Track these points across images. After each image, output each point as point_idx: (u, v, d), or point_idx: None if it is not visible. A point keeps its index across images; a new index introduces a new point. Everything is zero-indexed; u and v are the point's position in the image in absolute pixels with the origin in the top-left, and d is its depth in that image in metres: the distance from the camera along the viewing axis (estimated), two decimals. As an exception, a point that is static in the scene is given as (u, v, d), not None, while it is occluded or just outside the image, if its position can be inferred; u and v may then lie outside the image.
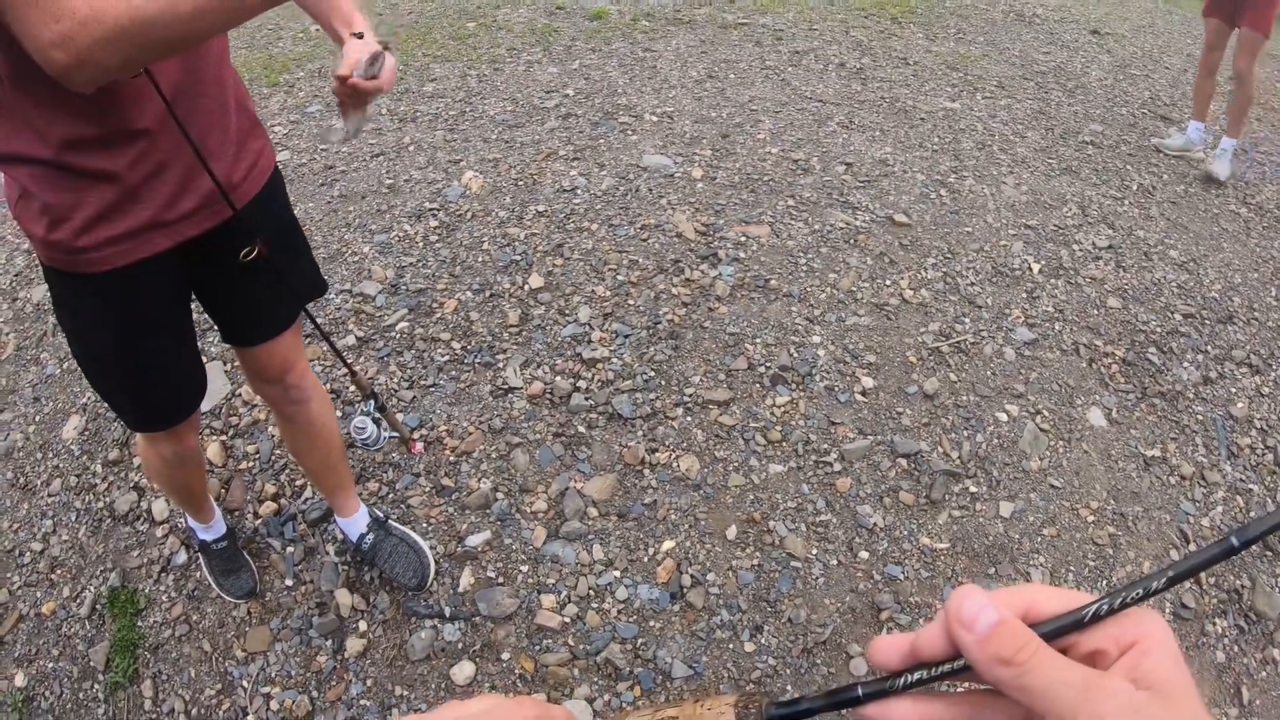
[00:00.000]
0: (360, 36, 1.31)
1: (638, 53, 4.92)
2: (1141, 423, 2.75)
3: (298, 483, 2.41)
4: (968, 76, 4.92)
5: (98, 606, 2.21)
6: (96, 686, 2.08)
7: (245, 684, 2.03)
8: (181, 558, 2.27)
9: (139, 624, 2.17)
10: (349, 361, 1.81)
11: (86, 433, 2.65)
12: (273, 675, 2.03)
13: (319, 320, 2.84)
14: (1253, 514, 2.53)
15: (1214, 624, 2.22)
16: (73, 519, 2.43)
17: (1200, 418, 2.81)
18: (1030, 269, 3.27)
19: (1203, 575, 2.32)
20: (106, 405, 1.66)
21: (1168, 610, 2.23)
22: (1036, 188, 3.84)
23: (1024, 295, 3.13)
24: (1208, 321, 3.25)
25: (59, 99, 1.11)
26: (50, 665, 2.13)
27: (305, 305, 1.68)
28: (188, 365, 1.58)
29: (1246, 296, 3.44)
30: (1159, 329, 3.14)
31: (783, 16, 5.63)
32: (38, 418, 2.73)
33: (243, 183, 1.43)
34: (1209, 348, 3.11)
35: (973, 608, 0.35)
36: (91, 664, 2.11)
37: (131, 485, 2.47)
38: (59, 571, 2.31)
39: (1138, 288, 3.34)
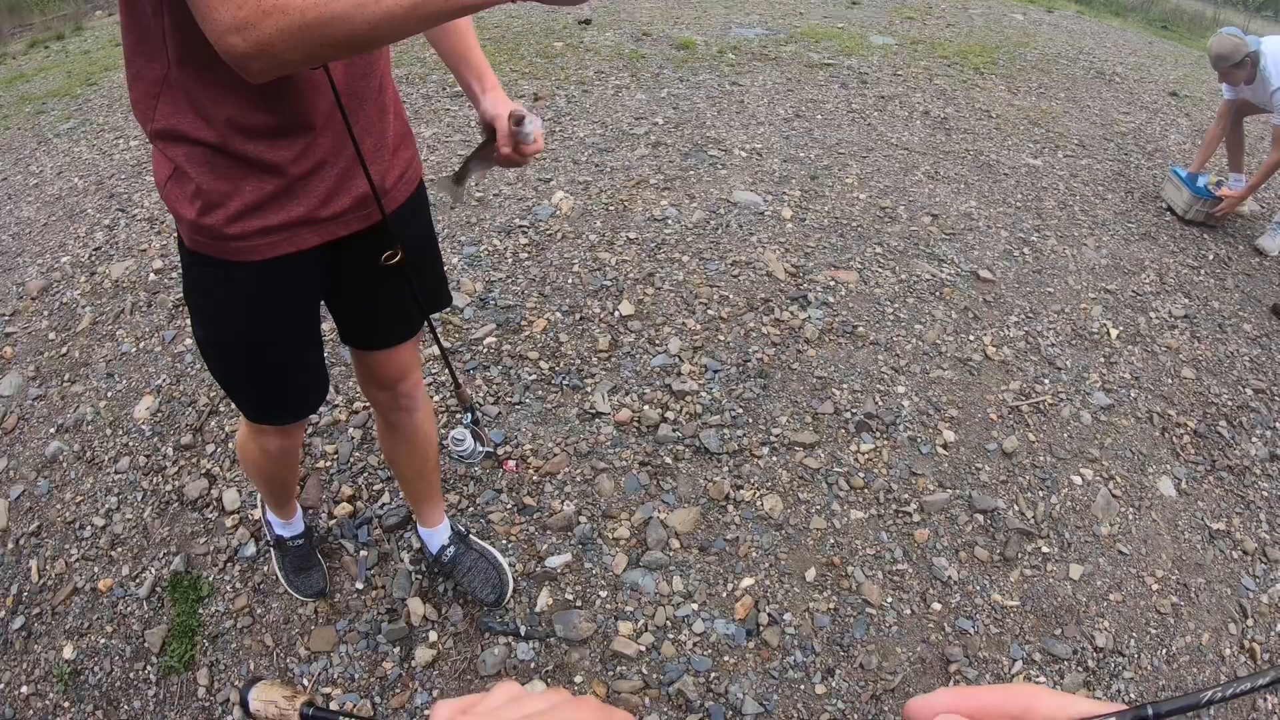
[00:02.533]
0: (516, 119, 1.30)
1: (725, 86, 4.97)
2: (1209, 495, 2.72)
3: (375, 487, 2.43)
4: (1049, 133, 4.90)
5: (158, 589, 2.22)
6: (149, 668, 2.07)
7: (306, 682, 2.03)
8: (250, 550, 2.28)
9: (200, 611, 2.17)
10: (457, 375, 1.81)
11: (159, 415, 2.67)
12: (335, 676, 2.03)
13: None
14: None
15: (1265, 699, 2.18)
16: (139, 499, 2.44)
17: (1266, 494, 2.76)
18: (1109, 333, 3.26)
19: (1258, 650, 2.30)
20: (223, 392, 1.65)
21: (1221, 681, 2.21)
22: (1116, 251, 3.82)
23: (1102, 360, 3.12)
24: (1278, 397, 3.22)
25: (231, 82, 1.08)
26: (102, 641, 2.13)
27: (430, 316, 1.70)
28: (315, 364, 1.57)
29: (1319, 375, 3.40)
30: (1230, 402, 3.10)
31: (867, 60, 5.65)
32: (110, 394, 2.77)
33: (394, 189, 1.42)
34: (1278, 424, 3.08)
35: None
36: (146, 645, 2.11)
37: (203, 472, 2.48)
38: (119, 549, 2.32)
39: (1211, 359, 3.31)
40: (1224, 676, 2.25)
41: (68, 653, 2.11)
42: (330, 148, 1.25)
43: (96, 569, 2.28)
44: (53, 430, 2.67)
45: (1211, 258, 4.07)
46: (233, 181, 1.20)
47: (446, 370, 1.77)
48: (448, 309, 3.04)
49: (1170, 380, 3.13)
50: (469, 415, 1.84)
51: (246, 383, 1.52)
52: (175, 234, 1.37)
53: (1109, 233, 3.96)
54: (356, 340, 1.66)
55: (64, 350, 2.98)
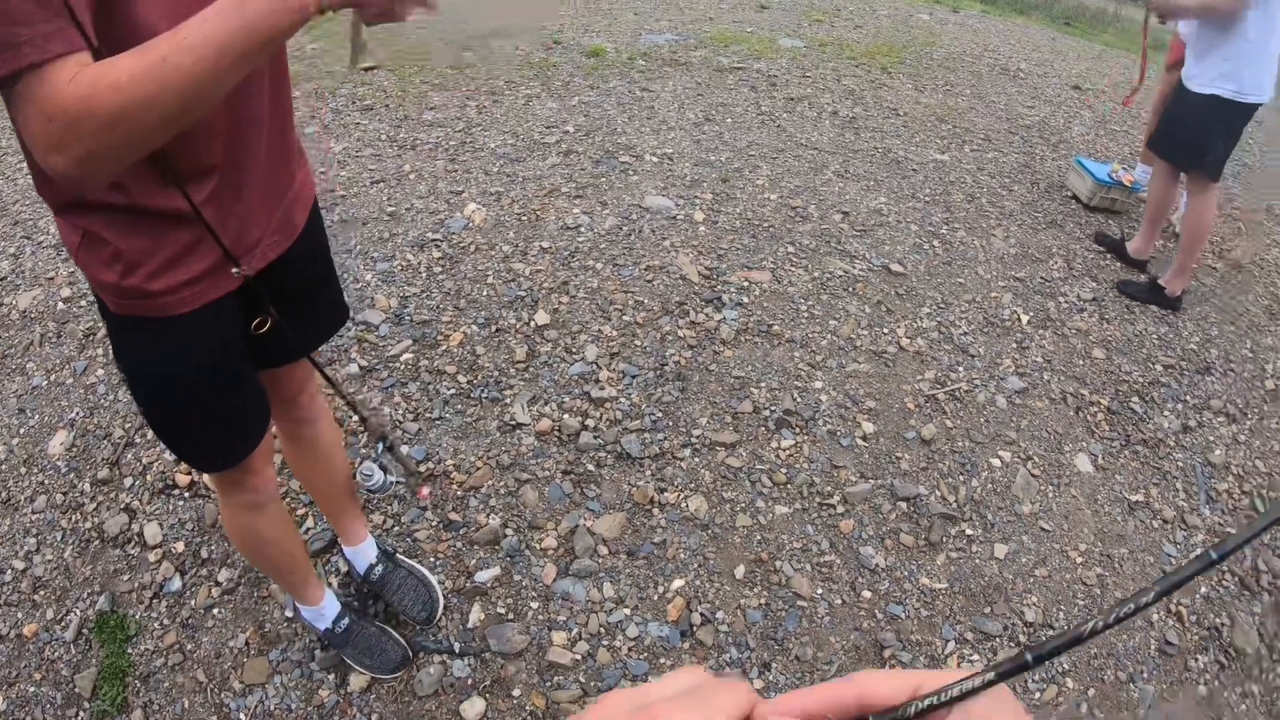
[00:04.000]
0: None
1: (635, 92, 5.06)
2: (1125, 469, 2.88)
3: (298, 512, 2.44)
4: (956, 129, 5.12)
5: (84, 631, 2.18)
6: (82, 714, 2.04)
7: (243, 716, 2.01)
8: (175, 584, 2.26)
9: (129, 651, 2.14)
10: (358, 405, 1.80)
11: (74, 449, 2.62)
12: (272, 708, 2.02)
13: (323, 349, 2.89)
14: (1231, 556, 2.67)
15: (1196, 659, 2.34)
16: (58, 538, 2.39)
17: (1180, 464, 2.95)
18: (1020, 320, 3.42)
19: (1185, 614, 2.44)
20: (172, 453, 1.59)
21: (1153, 647, 2.35)
22: (1024, 240, 4.02)
23: (1014, 345, 3.27)
24: (1186, 372, 3.41)
25: None
26: (31, 690, 2.09)
27: (333, 332, 1.74)
28: (256, 388, 1.57)
29: (1223, 349, 3.61)
30: (1141, 379, 3.29)
31: (776, 62, 5.82)
32: (22, 430, 2.70)
33: (298, 209, 1.44)
34: (1188, 397, 3.27)
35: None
36: (77, 690, 2.07)
37: (122, 507, 2.45)
38: (42, 592, 2.27)
39: (1121, 339, 3.50)
40: (1154, 641, 2.38)
41: None
42: (237, 183, 1.26)
43: (20, 614, 2.23)
44: None
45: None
46: (151, 237, 1.20)
47: (345, 403, 1.76)
48: (363, 326, 3.05)
49: (1082, 361, 3.30)
50: (380, 445, 1.85)
51: (201, 432, 1.51)
52: (94, 299, 1.37)
53: (1016, 223, 4.15)
54: (258, 359, 1.65)
55: None
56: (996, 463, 2.76)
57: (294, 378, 1.74)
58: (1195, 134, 3.52)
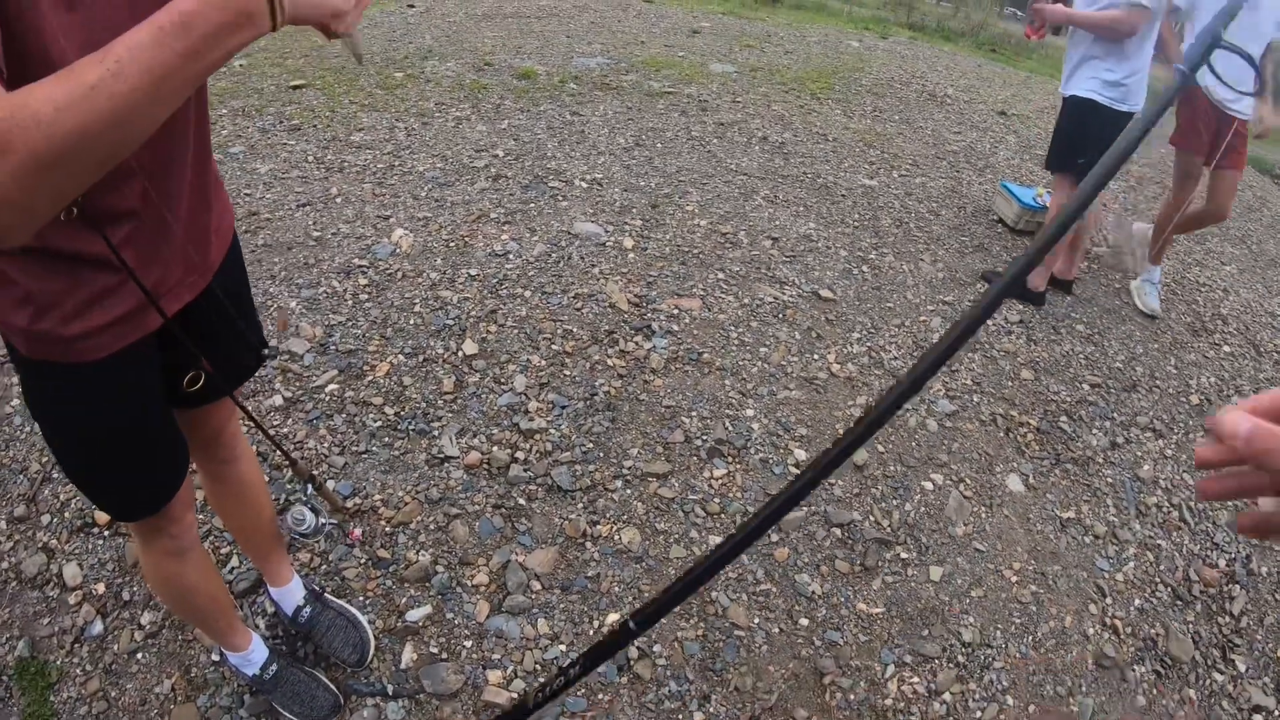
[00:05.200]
0: None
1: (566, 116, 5.10)
2: (1056, 487, 2.99)
3: (222, 550, 2.38)
4: (884, 154, 5.27)
5: (4, 678, 2.11)
6: None
7: None
8: (98, 628, 2.20)
9: (51, 699, 2.08)
10: (282, 444, 1.77)
11: None
12: None
13: (248, 382, 2.83)
14: (1162, 567, 2.79)
15: (1134, 670, 2.43)
16: None
17: (1110, 480, 3.07)
18: (948, 343, 3.52)
19: (1120, 627, 2.54)
20: (90, 501, 1.55)
21: (1090, 661, 2.42)
22: (951, 264, 4.14)
23: (944, 369, 3.36)
24: (1113, 390, 3.56)
25: None
26: None
27: (254, 370, 1.71)
28: (175, 432, 1.52)
29: (1148, 366, 3.78)
30: (1069, 398, 3.42)
31: (707, 87, 5.93)
32: None
33: (216, 245, 1.41)
34: (1115, 414, 3.40)
35: (1232, 423, 0.51)
36: None
37: (40, 546, 2.37)
38: None
39: (1048, 360, 3.63)
40: (1090, 656, 2.46)
41: None
42: (155, 224, 1.21)
43: None
44: None
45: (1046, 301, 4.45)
46: (67, 280, 1.14)
47: (268, 442, 1.72)
48: (286, 356, 3.00)
49: (1011, 383, 3.41)
50: (308, 485, 1.81)
51: (119, 480, 1.46)
52: (4, 342, 1.27)
53: (944, 247, 4.28)
54: (176, 400, 1.60)
55: None
56: (929, 486, 2.84)
57: (214, 417, 1.70)
58: (1070, 137, 3.78)
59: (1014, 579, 2.62)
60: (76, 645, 2.16)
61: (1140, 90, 3.60)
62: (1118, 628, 2.53)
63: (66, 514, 2.45)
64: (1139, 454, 3.22)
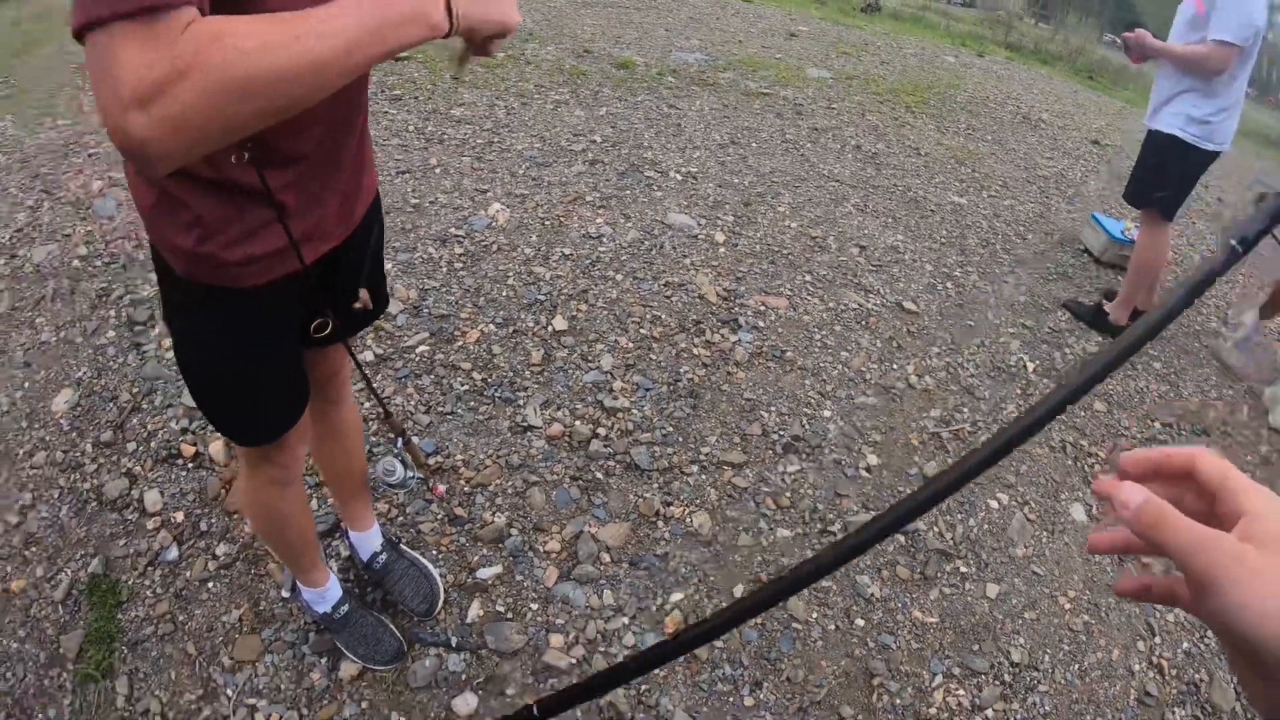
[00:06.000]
0: None
1: (663, 108, 5.14)
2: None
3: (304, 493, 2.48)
4: (975, 173, 5.21)
5: (74, 592, 2.19)
6: (64, 675, 2.04)
7: (230, 692, 2.02)
8: (173, 554, 2.27)
9: (119, 616, 2.15)
10: (385, 402, 1.82)
11: (79, 409, 2.64)
12: (260, 687, 2.03)
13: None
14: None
15: (1174, 712, 2.37)
16: (55, 497, 2.40)
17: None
18: (1026, 367, 3.49)
19: (1166, 667, 2.49)
20: (210, 421, 1.57)
21: (1133, 697, 2.39)
22: (1034, 289, 4.09)
23: (1019, 391, 3.34)
24: (1184, 431, 3.48)
25: None
26: (14, 646, 2.09)
27: (374, 319, 1.77)
28: (302, 369, 1.59)
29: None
30: (1139, 434, 3.35)
31: (803, 91, 5.91)
32: (26, 384, 2.72)
33: (361, 202, 1.47)
34: None
35: (1125, 492, 0.52)
36: (62, 651, 2.07)
37: (123, 471, 2.46)
38: (34, 549, 2.28)
39: (1122, 394, 3.57)
40: (1134, 691, 2.42)
41: None
42: (322, 171, 1.28)
43: (9, 569, 2.24)
44: None
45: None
46: (234, 209, 1.20)
47: (371, 395, 1.78)
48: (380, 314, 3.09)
49: (1083, 413, 3.37)
50: (400, 440, 1.83)
51: (246, 404, 1.52)
52: (154, 263, 1.35)
53: (1028, 271, 4.23)
54: (304, 340, 1.69)
55: None
56: (994, 504, 2.82)
57: (332, 360, 1.77)
58: (1152, 171, 3.67)
59: (1068, 606, 2.58)
60: (150, 568, 2.24)
61: (1227, 128, 3.47)
62: (1163, 667, 2.48)
63: (152, 444, 2.54)
64: None
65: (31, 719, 1.99)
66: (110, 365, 2.80)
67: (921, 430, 2.98)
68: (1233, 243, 0.43)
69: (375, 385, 2.79)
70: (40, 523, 2.34)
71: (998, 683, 2.32)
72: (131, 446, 2.54)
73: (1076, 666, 2.42)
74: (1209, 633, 2.64)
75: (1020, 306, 3.91)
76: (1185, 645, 2.57)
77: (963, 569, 2.59)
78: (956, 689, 2.28)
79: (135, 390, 2.71)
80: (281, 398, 1.56)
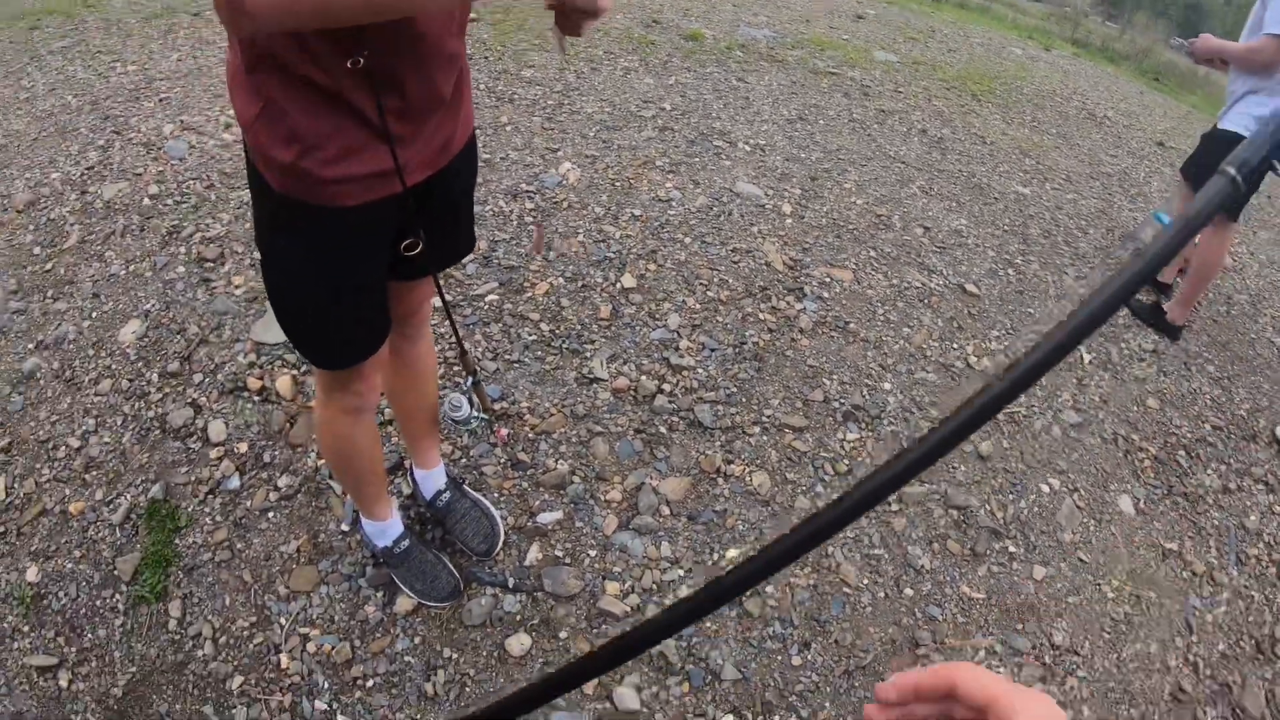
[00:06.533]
0: None
1: (731, 81, 5.11)
2: (1164, 517, 2.91)
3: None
4: (1039, 165, 5.13)
5: (133, 516, 2.22)
6: (118, 597, 2.08)
7: (283, 621, 2.04)
8: (234, 483, 2.30)
9: (176, 542, 2.18)
10: (462, 338, 1.83)
11: (146, 340, 2.69)
12: (314, 617, 2.06)
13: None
14: (1251, 619, 2.68)
15: (1205, 712, 2.36)
16: (119, 423, 2.45)
17: (1216, 523, 2.97)
18: (1082, 358, 3.46)
19: (1200, 665, 2.47)
20: (290, 342, 1.60)
21: (1167, 692, 2.38)
22: (1094, 283, 4.03)
23: (1074, 381, 3.32)
24: (1233, 436, 3.43)
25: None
26: (69, 566, 2.13)
27: (462, 257, 1.79)
28: (386, 298, 1.59)
29: (1270, 420, 3.63)
30: (1189, 435, 3.32)
31: (870, 73, 5.84)
32: (95, 314, 2.78)
33: (458, 136, 1.48)
34: (1231, 460, 3.28)
35: None
36: (116, 573, 2.11)
37: (188, 401, 2.50)
38: (94, 473, 2.32)
39: (1175, 394, 3.53)
40: (1168, 686, 2.41)
41: (31, 575, 2.11)
42: (424, 99, 1.30)
43: (68, 491, 2.28)
44: (31, 346, 2.68)
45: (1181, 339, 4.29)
46: (333, 125, 1.21)
47: (451, 331, 1.78)
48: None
49: (1136, 408, 3.34)
50: (470, 379, 1.87)
51: (328, 327, 1.52)
52: (249, 181, 1.37)
53: (1088, 264, 4.17)
54: (391, 271, 1.70)
55: (48, 266, 2.99)
56: (1045, 489, 2.81)
57: (415, 295, 1.77)
58: (1207, 167, 3.58)
59: (1111, 595, 2.57)
60: (210, 496, 2.27)
61: None
62: (1198, 666, 2.47)
63: (219, 376, 2.58)
64: (1248, 503, 3.09)
65: (81, 637, 2.02)
66: (179, 299, 2.83)
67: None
68: (1231, 171, 0.36)
69: (440, 330, 2.82)
70: (102, 448, 2.38)
71: (1038, 663, 2.32)
72: (198, 378, 2.57)
73: (1115, 656, 2.42)
74: (1246, 637, 2.62)
75: (1079, 298, 3.87)
76: (1221, 646, 2.55)
77: (1011, 549, 2.59)
78: (998, 666, 2.29)
79: (203, 324, 2.75)
80: (364, 325, 1.57)
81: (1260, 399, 3.74)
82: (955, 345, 3.22)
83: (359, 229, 1.38)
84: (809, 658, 2.18)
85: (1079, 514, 2.79)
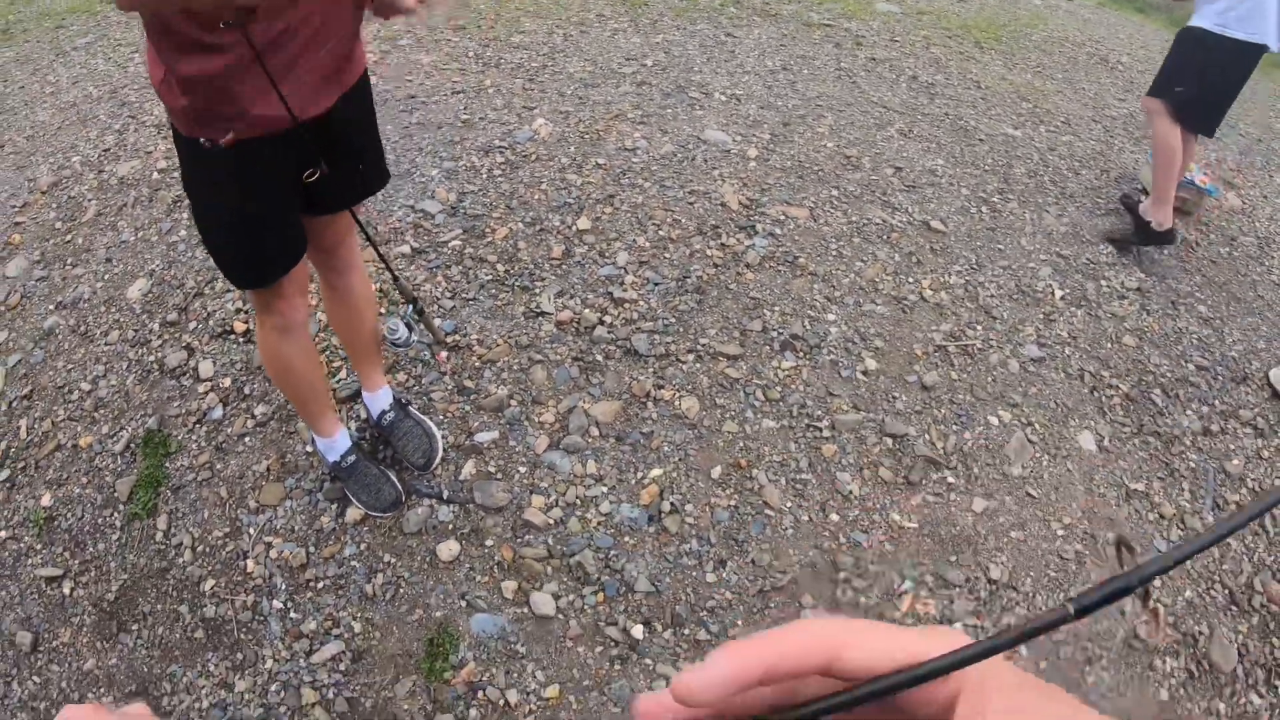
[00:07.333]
0: None
1: (720, 36, 5.04)
2: (1131, 456, 2.80)
3: (334, 364, 2.63)
4: (1036, 108, 4.97)
5: (131, 446, 2.42)
6: (116, 515, 2.28)
7: (251, 531, 2.22)
8: (218, 413, 2.49)
9: (166, 465, 2.37)
10: (393, 268, 1.98)
11: (150, 295, 2.88)
12: (278, 527, 2.23)
13: (380, 228, 3.07)
14: (1226, 568, 2.57)
15: (1164, 661, 2.26)
16: (124, 368, 2.65)
17: (1192, 465, 2.84)
18: (1053, 293, 3.36)
19: (1161, 612, 2.33)
20: (216, 265, 1.80)
21: (1120, 635, 2.28)
22: (1079, 222, 3.91)
23: (1041, 316, 3.22)
24: (1220, 378, 3.27)
25: None
26: (77, 491, 2.34)
27: (373, 191, 1.90)
28: (294, 224, 1.75)
29: (1266, 362, 3.47)
30: (1169, 374, 3.18)
31: (868, 24, 5.70)
32: (106, 276, 2.98)
33: (348, 74, 1.63)
34: (1216, 402, 3.14)
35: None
36: (115, 494, 2.32)
37: (183, 345, 2.69)
38: (102, 411, 2.53)
39: (1158, 333, 3.39)
40: (1122, 630, 2.30)
41: (45, 501, 2.33)
42: (304, 41, 1.44)
43: (79, 428, 2.50)
44: (52, 307, 2.89)
45: (1179, 240, 4.14)
46: (221, 66, 1.37)
47: (382, 263, 1.94)
48: (420, 214, 3.21)
49: (1110, 345, 3.22)
50: (409, 307, 1.99)
51: (241, 249, 1.70)
52: (173, 138, 1.56)
53: (1076, 204, 4.04)
54: (307, 207, 1.83)
55: (68, 238, 3.21)
56: (995, 421, 2.74)
57: (335, 228, 1.90)
58: (1173, 64, 3.59)
59: (1060, 532, 2.49)
60: (197, 425, 2.46)
61: (1257, 18, 3.21)
62: (1159, 613, 2.28)
63: (210, 322, 2.76)
64: (1232, 447, 2.94)
65: (84, 550, 2.25)
66: (180, 259, 3.02)
67: (928, 342, 2.92)
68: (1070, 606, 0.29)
69: (406, 273, 2.92)
70: (109, 389, 2.59)
71: (971, 597, 2.27)
72: (193, 325, 2.76)
73: (1061, 594, 2.33)
74: (1218, 585, 2.49)
75: (1060, 236, 3.74)
76: (1188, 594, 2.44)
77: (950, 479, 2.53)
78: (927, 597, 2.25)
79: (200, 278, 2.93)
80: (276, 244, 1.71)
81: (1256, 341, 3.58)
82: (911, 279, 3.15)
83: (261, 159, 1.55)
84: (724, 575, 2.19)
85: (1030, 448, 2.70)
